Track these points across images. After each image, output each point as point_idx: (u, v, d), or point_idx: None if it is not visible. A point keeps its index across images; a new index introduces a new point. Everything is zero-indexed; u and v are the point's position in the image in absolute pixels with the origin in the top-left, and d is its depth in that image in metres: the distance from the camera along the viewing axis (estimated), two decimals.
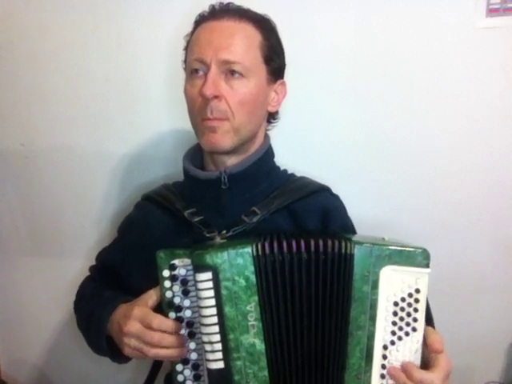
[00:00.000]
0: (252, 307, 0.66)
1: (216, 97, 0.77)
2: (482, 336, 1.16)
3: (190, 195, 0.88)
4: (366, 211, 1.08)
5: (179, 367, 0.72)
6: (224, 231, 0.79)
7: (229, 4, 0.85)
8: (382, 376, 0.69)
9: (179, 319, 0.71)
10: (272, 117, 0.92)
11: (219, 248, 0.67)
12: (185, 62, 0.87)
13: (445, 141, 1.09)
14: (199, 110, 0.80)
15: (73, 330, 0.94)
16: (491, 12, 1.02)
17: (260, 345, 0.67)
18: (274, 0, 1.02)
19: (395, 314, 0.68)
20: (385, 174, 1.12)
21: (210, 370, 0.67)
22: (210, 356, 0.66)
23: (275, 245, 0.69)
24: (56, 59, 1.16)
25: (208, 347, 0.66)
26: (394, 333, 0.68)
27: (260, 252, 0.68)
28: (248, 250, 0.67)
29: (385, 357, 0.68)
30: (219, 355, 0.66)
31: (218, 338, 0.66)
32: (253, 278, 0.67)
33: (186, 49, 0.86)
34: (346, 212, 0.95)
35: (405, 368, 0.68)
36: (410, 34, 1.06)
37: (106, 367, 0.96)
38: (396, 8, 1.05)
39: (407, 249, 0.69)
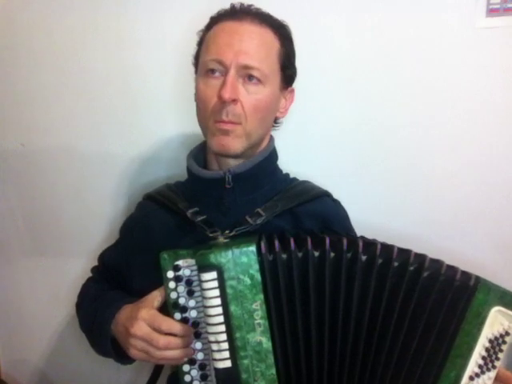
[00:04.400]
0: (258, 305, 0.66)
1: (233, 100, 0.77)
2: None
3: (192, 195, 0.88)
4: (366, 211, 1.08)
5: (186, 367, 0.72)
6: (227, 231, 0.78)
7: (251, 6, 0.84)
8: None
9: (185, 320, 0.71)
10: (274, 121, 0.92)
11: (223, 247, 0.67)
12: (196, 57, 0.86)
13: (445, 141, 1.09)
14: (213, 111, 0.79)
15: (73, 330, 0.94)
16: (491, 12, 1.02)
17: (267, 343, 0.67)
18: (274, 0, 1.02)
19: (487, 350, 0.71)
20: (384, 173, 1.12)
21: (217, 370, 0.67)
22: (217, 355, 0.66)
23: (276, 244, 0.68)
24: (56, 59, 1.15)
25: (215, 346, 0.66)
26: (480, 366, 0.71)
27: (265, 250, 0.67)
28: (252, 248, 0.67)
29: None
30: (226, 354, 0.66)
31: (224, 337, 0.66)
32: (258, 276, 0.67)
33: (200, 45, 0.85)
34: (347, 219, 0.96)
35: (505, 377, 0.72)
36: (410, 34, 1.06)
37: (107, 367, 0.96)
38: (396, 8, 1.05)
39: None
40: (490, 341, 0.71)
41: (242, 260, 0.66)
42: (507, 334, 0.72)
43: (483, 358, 0.71)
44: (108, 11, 1.12)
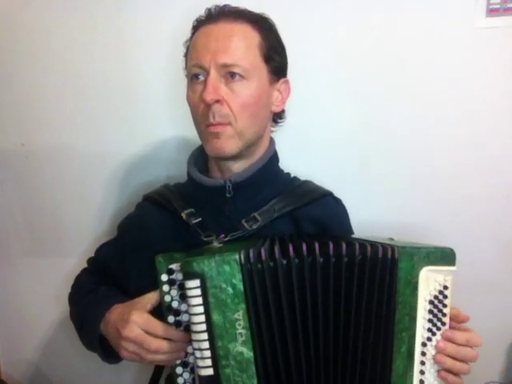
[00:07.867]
0: (240, 315, 0.65)
1: (217, 101, 0.76)
2: (482, 336, 1.16)
3: (191, 198, 0.87)
4: (366, 211, 1.08)
5: (179, 370, 0.73)
6: (222, 235, 0.78)
7: (225, 6, 0.83)
8: (422, 372, 0.72)
9: (178, 323, 0.72)
10: (278, 117, 0.91)
11: (207, 255, 0.66)
12: (186, 68, 0.85)
13: (445, 141, 1.09)
14: (202, 116, 0.79)
15: (73, 330, 0.94)
16: (491, 12, 1.02)
17: (248, 353, 0.66)
18: (273, 1, 1.02)
19: (430, 311, 0.71)
20: (384, 174, 1.12)
21: (200, 377, 0.67)
22: (200, 363, 0.66)
23: (262, 252, 0.67)
24: (56, 59, 1.16)
25: (198, 354, 0.66)
26: (429, 329, 0.71)
27: (247, 259, 0.66)
28: (235, 257, 0.66)
29: (423, 353, 0.71)
30: (208, 362, 0.65)
31: (206, 345, 0.65)
32: (240, 285, 0.66)
33: (186, 55, 0.85)
34: (347, 218, 0.96)
35: (448, 337, 0.70)
36: (410, 34, 1.06)
37: (108, 367, 0.96)
38: (397, 8, 1.05)
39: (440, 249, 0.71)
40: (431, 301, 0.71)
41: (225, 269, 0.65)
42: (445, 287, 0.71)
43: (429, 320, 0.71)
44: (108, 11, 1.12)
